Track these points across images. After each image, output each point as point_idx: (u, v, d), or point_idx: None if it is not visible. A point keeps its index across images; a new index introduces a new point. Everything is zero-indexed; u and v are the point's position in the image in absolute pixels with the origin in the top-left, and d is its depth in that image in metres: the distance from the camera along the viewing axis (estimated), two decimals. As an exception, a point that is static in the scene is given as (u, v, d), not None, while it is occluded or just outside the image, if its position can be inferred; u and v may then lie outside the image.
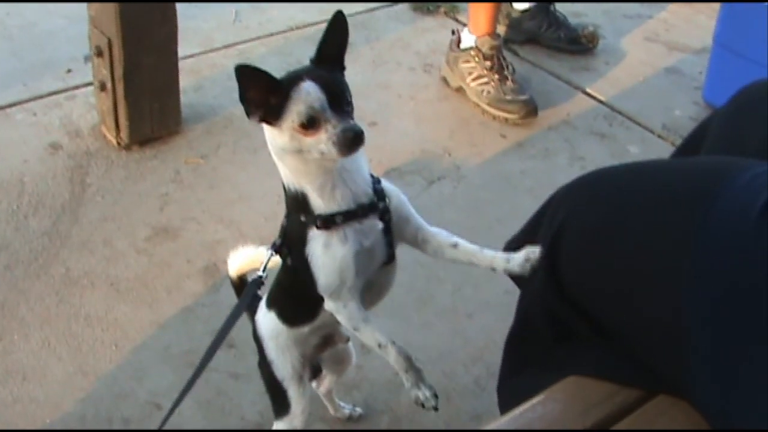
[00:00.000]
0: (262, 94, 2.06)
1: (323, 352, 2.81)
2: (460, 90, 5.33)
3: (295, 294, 2.49)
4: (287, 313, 2.60)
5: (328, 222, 2.16)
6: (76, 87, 5.11)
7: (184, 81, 4.87)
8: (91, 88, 4.84)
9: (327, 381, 3.21)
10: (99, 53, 4.48)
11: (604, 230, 2.11)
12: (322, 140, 2.03)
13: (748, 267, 1.80)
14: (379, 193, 2.24)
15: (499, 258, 2.25)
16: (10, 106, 4.93)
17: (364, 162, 2.24)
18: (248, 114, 2.09)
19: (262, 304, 2.69)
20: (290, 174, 2.19)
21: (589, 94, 5.53)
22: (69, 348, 3.59)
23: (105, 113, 4.63)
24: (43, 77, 5.19)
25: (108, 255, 4.03)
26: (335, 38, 2.18)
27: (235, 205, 4.34)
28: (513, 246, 2.47)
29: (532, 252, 2.16)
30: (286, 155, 2.13)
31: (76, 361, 3.54)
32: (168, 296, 3.85)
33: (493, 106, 5.13)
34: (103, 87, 4.54)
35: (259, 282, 2.44)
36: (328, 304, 2.27)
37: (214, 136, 4.75)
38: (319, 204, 2.16)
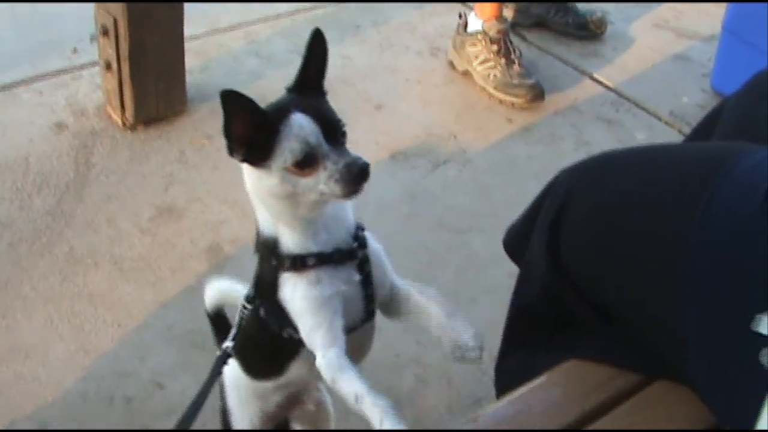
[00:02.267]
0: (247, 128, 1.82)
1: (289, 411, 2.62)
2: (466, 74, 5.30)
3: (262, 346, 2.27)
4: (251, 364, 2.39)
5: (297, 263, 1.98)
6: (82, 66, 5.10)
7: (190, 61, 4.84)
8: (96, 67, 4.83)
9: None
10: (105, 32, 4.46)
11: (606, 212, 2.10)
12: (321, 179, 1.84)
13: (750, 252, 1.79)
14: (361, 241, 2.07)
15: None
16: (16, 85, 4.92)
17: (350, 211, 2.06)
18: (231, 151, 1.85)
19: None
20: (271, 218, 2.00)
21: (596, 80, 5.50)
22: (72, 327, 3.59)
23: (110, 93, 4.62)
24: (49, 57, 5.17)
25: (112, 234, 4.03)
26: (316, 60, 1.98)
27: (239, 185, 4.20)
28: (514, 231, 2.48)
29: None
30: (272, 199, 1.94)
31: (79, 340, 3.54)
32: (172, 276, 3.85)
33: (499, 90, 5.10)
34: (108, 66, 4.53)
35: (226, 355, 2.25)
36: (315, 357, 1.99)
37: (220, 116, 4.60)
38: (292, 245, 1.98)
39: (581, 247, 2.13)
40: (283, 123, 1.83)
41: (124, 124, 4.61)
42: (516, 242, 2.46)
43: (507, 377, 2.42)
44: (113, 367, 3.45)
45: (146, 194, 4.26)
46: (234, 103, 1.78)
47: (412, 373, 3.41)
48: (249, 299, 2.20)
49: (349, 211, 2.06)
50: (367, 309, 2.10)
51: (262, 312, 2.14)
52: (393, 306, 2.17)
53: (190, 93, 4.80)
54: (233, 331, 2.27)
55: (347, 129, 1.91)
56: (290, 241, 1.98)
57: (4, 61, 5.09)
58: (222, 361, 2.27)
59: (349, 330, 2.05)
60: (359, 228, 2.08)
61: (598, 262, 2.08)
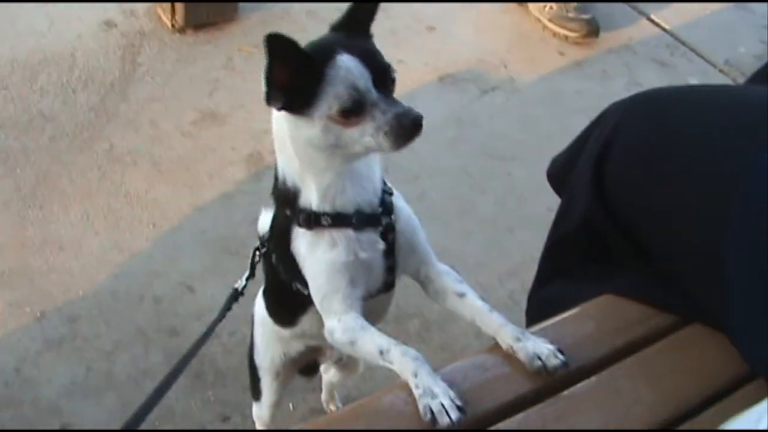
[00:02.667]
0: (290, 73, 1.67)
1: (312, 359, 2.54)
2: (522, 4, 5.24)
3: (277, 293, 2.22)
4: (272, 308, 2.32)
5: (310, 220, 1.86)
6: (135, -34, 5.05)
7: (244, -31, 4.82)
8: (150, -32, 4.82)
9: (332, 372, 2.92)
10: (160, -68, 4.44)
11: (653, 148, 2.05)
12: (368, 130, 1.69)
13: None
14: (387, 206, 1.92)
15: (507, 332, 1.80)
16: (67, -20, 4.88)
17: (378, 166, 1.92)
18: (269, 98, 1.70)
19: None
20: (298, 169, 1.85)
21: (653, 21, 5.41)
22: (107, 223, 3.60)
23: (162, -5, 4.61)
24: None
25: (153, 135, 4.02)
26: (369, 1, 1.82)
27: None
28: (559, 161, 2.44)
29: (548, 354, 1.76)
30: (309, 150, 1.79)
31: (113, 237, 3.55)
32: (209, 181, 3.84)
33: (554, 22, 5.04)
34: (162, -33, 4.50)
35: (237, 295, 2.22)
36: (325, 323, 1.91)
37: (270, 26, 4.62)
38: (311, 201, 1.85)
39: (626, 181, 2.09)
40: (328, 65, 1.67)
41: (173, 26, 4.58)
42: (560, 173, 2.42)
43: (539, 306, 2.39)
44: (145, 267, 3.46)
45: (190, 97, 4.25)
46: (279, 47, 1.63)
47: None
48: (263, 242, 2.15)
49: (376, 167, 1.91)
50: (386, 280, 1.98)
51: (273, 258, 2.07)
52: (428, 288, 2.01)
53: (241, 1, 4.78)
54: (246, 272, 2.21)
55: (394, 67, 1.72)
56: (310, 195, 1.85)
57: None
58: (232, 298, 2.24)
59: (364, 298, 1.94)
60: (387, 191, 1.94)
61: (643, 197, 2.04)
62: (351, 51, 1.68)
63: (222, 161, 3.93)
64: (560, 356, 1.76)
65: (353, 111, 1.67)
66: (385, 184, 1.93)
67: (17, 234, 3.51)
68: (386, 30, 4.74)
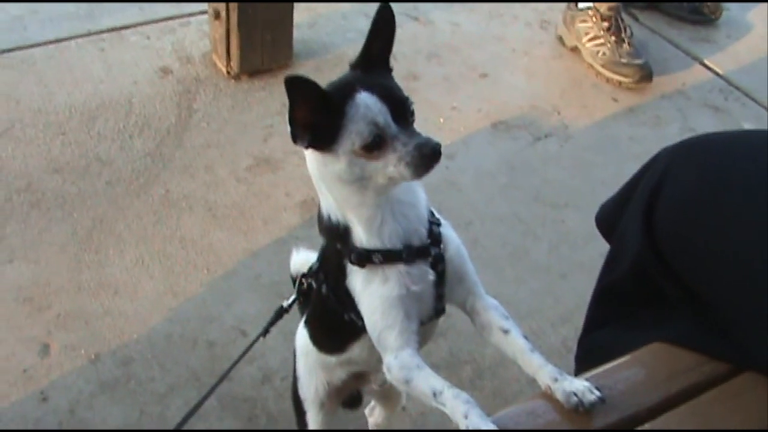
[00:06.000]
0: (311, 112, 1.74)
1: (356, 387, 2.58)
2: (575, 50, 5.24)
3: (325, 322, 2.25)
4: (316, 336, 2.36)
5: (362, 258, 1.91)
6: (191, 14, 5.12)
7: (299, 16, 4.84)
8: (205, 15, 4.86)
9: (377, 413, 3.01)
10: (216, -19, 4.49)
11: (702, 195, 2.03)
12: (391, 162, 1.76)
13: None
14: (435, 237, 1.96)
15: (546, 372, 1.82)
16: (125, 28, 4.95)
17: (422, 195, 1.97)
18: (295, 138, 1.78)
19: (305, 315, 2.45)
20: (337, 204, 1.91)
21: (706, 66, 5.39)
22: (162, 268, 3.63)
23: (217, 41, 4.64)
24: (159, 2, 5.21)
25: (208, 181, 4.05)
26: (382, 36, 1.87)
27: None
28: (608, 207, 2.43)
29: (584, 390, 1.77)
30: (339, 184, 1.85)
31: (168, 281, 3.58)
32: (264, 226, 3.86)
33: (607, 68, 5.03)
34: (217, 15, 4.53)
35: (282, 311, 2.29)
36: (383, 358, 1.94)
37: (324, 73, 4.69)
38: (362, 237, 1.90)
39: (676, 228, 2.07)
40: (348, 104, 1.74)
41: (228, 73, 4.63)
42: (609, 219, 2.41)
43: (590, 353, 2.38)
44: (199, 311, 3.49)
45: (245, 143, 4.28)
46: (299, 88, 1.69)
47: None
48: (311, 272, 2.18)
49: (420, 194, 1.96)
50: (436, 308, 2.02)
51: (324, 289, 2.10)
52: (474, 320, 2.03)
53: (296, 47, 4.80)
54: (291, 297, 2.28)
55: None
56: (357, 232, 1.91)
57: (114, 4, 5.12)
58: (277, 315, 2.31)
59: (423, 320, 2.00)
60: (434, 222, 1.98)
61: (693, 244, 2.01)
62: (369, 88, 1.75)
63: (276, 207, 3.95)
64: (596, 392, 1.78)
65: (375, 145, 1.74)
66: (432, 215, 1.97)
67: (73, 277, 3.54)
68: (439, 77, 4.78)
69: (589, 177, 4.35)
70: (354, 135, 1.73)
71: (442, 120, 4.48)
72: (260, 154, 4.21)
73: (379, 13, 1.84)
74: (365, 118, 1.72)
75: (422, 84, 4.70)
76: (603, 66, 5.05)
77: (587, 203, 3.75)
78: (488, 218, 4.01)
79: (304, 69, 4.73)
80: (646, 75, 5.01)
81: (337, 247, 1.95)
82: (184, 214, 3.87)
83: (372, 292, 1.92)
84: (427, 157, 1.73)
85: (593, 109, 4.87)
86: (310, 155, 1.86)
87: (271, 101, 4.53)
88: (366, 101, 1.74)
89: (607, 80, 5.05)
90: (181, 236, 3.77)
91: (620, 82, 5.02)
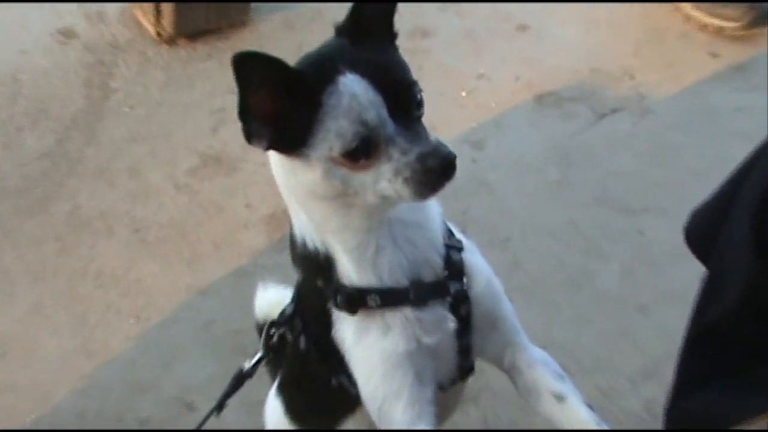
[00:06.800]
0: (274, 100, 1.67)
1: None
2: (654, -12, 5.20)
3: (306, 389, 2.21)
4: (294, 410, 2.33)
5: (353, 300, 1.86)
6: (105, -48, 5.09)
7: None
8: (125, -47, 4.85)
9: None
10: None
11: None
12: (384, 175, 1.69)
13: None
14: (456, 267, 1.93)
15: None
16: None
17: (435, 208, 1.94)
18: (249, 136, 1.72)
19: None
20: (312, 225, 1.87)
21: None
22: (70, 316, 3.59)
23: (142, -10, 4.63)
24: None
25: (134, 190, 4.03)
26: None
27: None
28: (700, 216, 2.41)
29: None
30: (313, 200, 1.81)
31: (79, 336, 3.53)
32: (215, 252, 3.83)
33: (702, 9, 4.96)
34: (141, -47, 4.54)
35: (244, 376, 2.23)
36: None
37: (296, 31, 4.72)
38: (350, 272, 1.86)
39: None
40: (327, 91, 1.68)
41: (159, 35, 4.61)
42: (704, 230, 2.39)
43: (684, 422, 2.35)
44: (125, 377, 3.44)
45: (186, 135, 4.26)
46: (255, 69, 1.64)
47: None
48: (284, 318, 2.14)
49: (433, 209, 1.94)
50: (461, 366, 1.99)
51: (302, 343, 2.08)
52: (515, 380, 2.03)
53: None
54: (257, 355, 2.22)
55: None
56: (344, 264, 1.87)
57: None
58: (236, 382, 2.24)
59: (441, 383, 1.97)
60: (453, 246, 1.95)
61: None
62: (358, 68, 1.69)
63: (233, 224, 3.93)
64: None
65: (362, 151, 1.67)
66: (451, 233, 1.95)
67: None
68: (459, 32, 4.76)
69: (677, 166, 4.31)
70: (333, 136, 1.67)
71: (464, 94, 4.44)
72: (208, 150, 4.19)
73: None
74: (350, 112, 1.66)
75: (435, 43, 4.65)
76: (696, 7, 4.99)
77: (675, 206, 3.70)
78: (533, 231, 3.98)
79: (268, 26, 4.74)
80: (758, 16, 4.93)
81: (318, 284, 1.92)
82: (101, 238, 3.84)
83: (368, 348, 1.88)
84: (434, 171, 1.67)
85: (682, 69, 4.82)
86: (274, 159, 1.83)
87: (222, 74, 4.50)
88: (352, 88, 1.67)
89: (703, 27, 5.00)
90: (97, 270, 3.73)
91: (722, 28, 4.95)
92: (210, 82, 4.47)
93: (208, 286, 3.72)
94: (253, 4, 4.75)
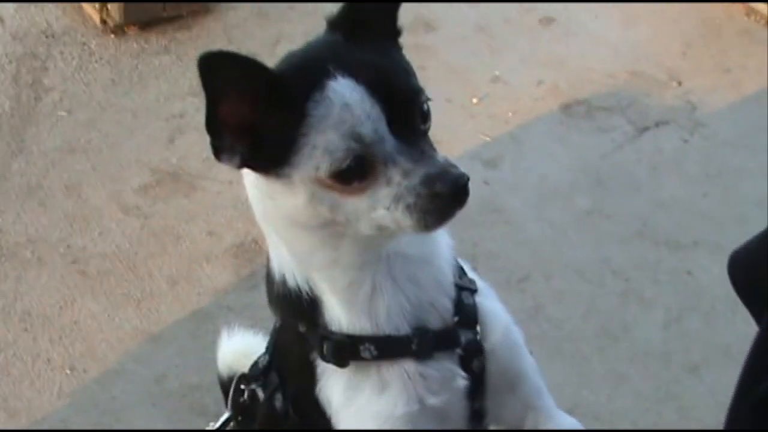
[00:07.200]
0: (250, 109, 1.65)
1: None
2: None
3: None
4: None
5: (343, 351, 1.84)
6: None
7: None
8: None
9: None
10: None
11: None
12: (382, 201, 1.66)
13: None
14: (468, 313, 1.91)
15: None
16: None
17: (444, 240, 1.92)
18: (218, 152, 1.68)
19: None
20: (295, 260, 1.84)
21: None
22: (-10, 366, 3.54)
23: (84, -32, 4.58)
24: None
25: (72, 211, 3.98)
26: None
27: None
28: (744, 255, 2.45)
29: None
30: (295, 230, 1.78)
31: (1, 391, 3.48)
32: (171, 289, 3.78)
33: (771, -2, 4.96)
34: None
35: None
36: None
37: (271, 21, 4.73)
38: (340, 316, 1.83)
39: None
40: (313, 98, 1.65)
41: (104, 23, 4.58)
42: (753, 272, 2.40)
43: None
44: (58, 442, 3.38)
45: (137, 146, 4.22)
46: (225, 72, 1.61)
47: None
48: (256, 372, 2.11)
49: (442, 242, 1.91)
50: (475, 428, 1.96)
51: (278, 402, 2.04)
52: None
53: None
54: (222, 417, 2.19)
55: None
56: (332, 307, 1.84)
57: None
58: None
59: None
60: (465, 287, 1.93)
61: None
62: (352, 70, 1.66)
63: (192, 255, 3.89)
64: None
65: (355, 172, 1.64)
66: (462, 272, 1.93)
67: None
68: (470, 25, 4.76)
69: (734, 195, 4.28)
70: (320, 153, 1.63)
71: (475, 100, 4.43)
72: (163, 165, 4.14)
73: None
74: (341, 124, 1.63)
75: (441, 38, 4.65)
76: (764, -5, 4.95)
77: (730, 241, 3.64)
78: (557, 269, 3.96)
79: (238, 14, 4.73)
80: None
81: (300, 330, 1.89)
82: (30, 270, 3.79)
83: (360, 409, 1.85)
84: (443, 198, 1.64)
85: (742, 74, 4.80)
86: (249, 178, 1.79)
87: (180, 72, 4.49)
88: (344, 95, 1.64)
89: (768, 20, 4.98)
90: (24, 309, 3.68)
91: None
92: (166, 81, 4.45)
93: (161, 332, 3.67)
94: (220, -15, 4.70)
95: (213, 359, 2.68)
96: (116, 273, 3.81)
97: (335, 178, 1.62)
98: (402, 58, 1.76)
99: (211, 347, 2.62)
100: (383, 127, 1.62)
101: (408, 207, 1.63)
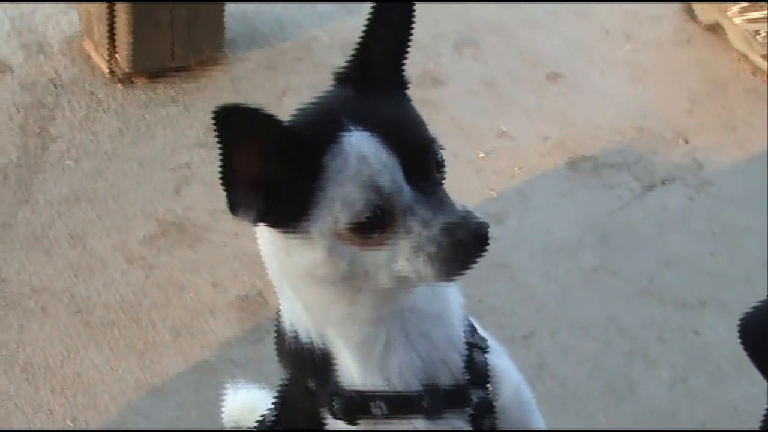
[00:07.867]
0: (265, 164, 1.66)
1: None
2: (715, 28, 5.19)
3: None
4: None
5: (354, 408, 1.85)
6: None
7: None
8: (74, -25, 4.81)
9: None
10: None
11: None
12: (402, 251, 1.68)
13: None
14: (479, 371, 1.93)
15: None
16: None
17: (455, 297, 1.94)
18: (234, 206, 1.69)
19: None
20: (309, 316, 1.86)
21: None
22: (-11, 419, 3.52)
23: (92, 20, 4.58)
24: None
25: (76, 262, 3.97)
26: (389, 30, 1.83)
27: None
28: (757, 317, 2.39)
29: None
30: (312, 285, 1.78)
31: (1, 447, 3.45)
32: (174, 342, 3.76)
33: (777, 58, 4.96)
34: (93, -25, 4.50)
35: None
36: None
37: (279, 72, 4.72)
38: (352, 372, 1.86)
39: None
40: (330, 152, 1.66)
41: (112, 72, 4.57)
42: (762, 337, 2.38)
43: None
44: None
45: (143, 197, 4.22)
46: (242, 126, 1.60)
47: None
48: (261, 429, 2.11)
49: (453, 299, 1.93)
50: None
51: None
52: None
53: (230, 30, 4.79)
54: None
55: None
56: (345, 363, 1.86)
57: None
58: None
59: None
60: (476, 345, 1.95)
61: None
62: (366, 123, 1.68)
63: (197, 307, 3.87)
64: None
65: (375, 224, 1.65)
66: (473, 330, 1.95)
67: None
68: (477, 80, 4.76)
69: (741, 254, 4.28)
70: (339, 206, 1.64)
71: (481, 155, 4.43)
72: (169, 216, 4.14)
73: None
74: (359, 177, 1.64)
75: (448, 92, 4.64)
76: (766, 56, 4.97)
77: (738, 301, 3.67)
78: (562, 326, 3.95)
79: (245, 65, 4.73)
80: None
81: (309, 386, 1.90)
82: (33, 320, 3.77)
83: None
84: (465, 246, 1.65)
85: (748, 132, 4.81)
86: (264, 234, 1.80)
87: (187, 122, 4.48)
88: (360, 147, 1.65)
89: (774, 81, 4.97)
90: (26, 360, 3.65)
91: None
92: (173, 131, 4.44)
93: (164, 384, 3.64)
94: (228, 38, 4.72)
95: (215, 413, 2.68)
96: (120, 324, 3.79)
97: (355, 230, 1.64)
98: (412, 108, 1.79)
99: (214, 401, 2.61)
100: (400, 178, 1.64)
101: (429, 256, 1.64)
